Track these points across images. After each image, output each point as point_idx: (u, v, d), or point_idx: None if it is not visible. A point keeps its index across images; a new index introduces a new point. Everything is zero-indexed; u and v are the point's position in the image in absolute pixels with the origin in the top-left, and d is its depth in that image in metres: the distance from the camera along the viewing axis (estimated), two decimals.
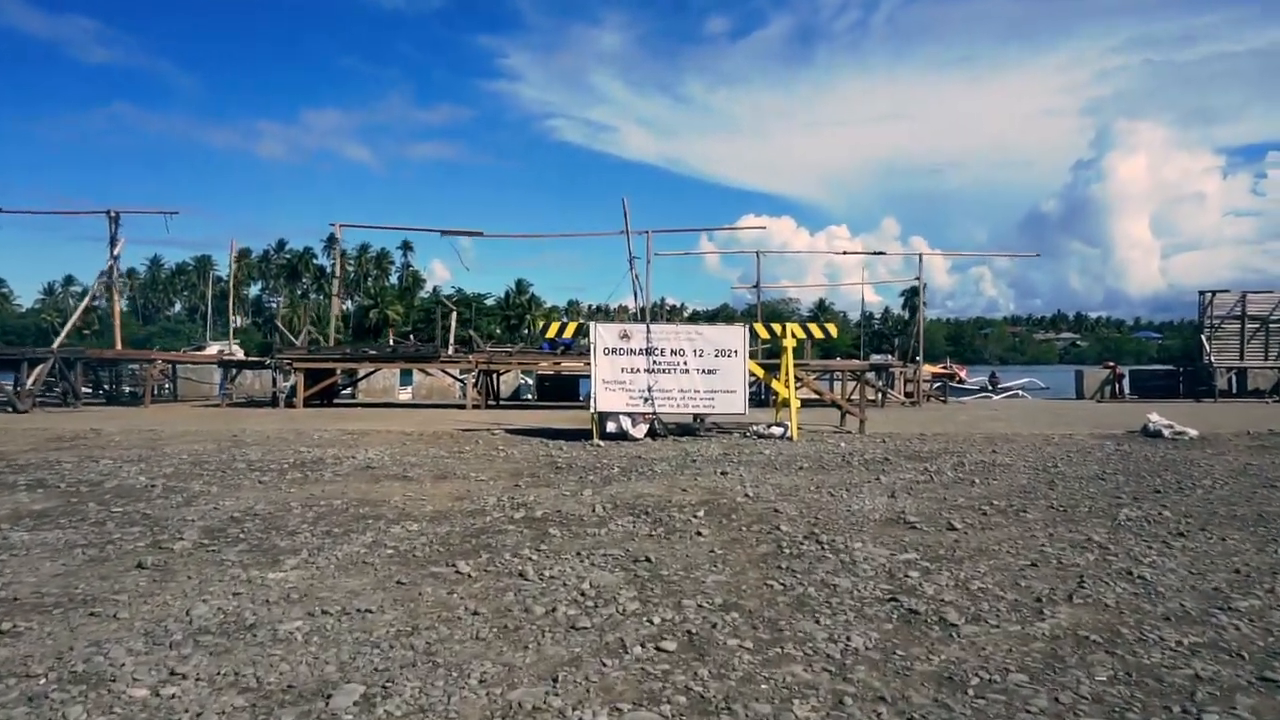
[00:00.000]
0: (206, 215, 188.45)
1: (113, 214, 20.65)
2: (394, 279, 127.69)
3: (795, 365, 13.98)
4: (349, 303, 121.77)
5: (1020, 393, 30.31)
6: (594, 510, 7.40)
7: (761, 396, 19.72)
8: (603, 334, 13.26)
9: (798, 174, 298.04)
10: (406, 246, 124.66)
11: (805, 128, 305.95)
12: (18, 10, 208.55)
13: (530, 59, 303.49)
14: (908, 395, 23.01)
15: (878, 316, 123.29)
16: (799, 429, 13.36)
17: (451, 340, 20.32)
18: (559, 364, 20.63)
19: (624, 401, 13.07)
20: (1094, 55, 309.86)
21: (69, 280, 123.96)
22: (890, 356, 25.64)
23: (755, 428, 13.66)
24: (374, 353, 21.87)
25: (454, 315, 21.19)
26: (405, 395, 24.63)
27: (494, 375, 21.01)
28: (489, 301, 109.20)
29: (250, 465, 10.09)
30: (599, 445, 12.26)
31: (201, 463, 10.26)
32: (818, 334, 14.89)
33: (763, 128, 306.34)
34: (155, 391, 24.38)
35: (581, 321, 15.35)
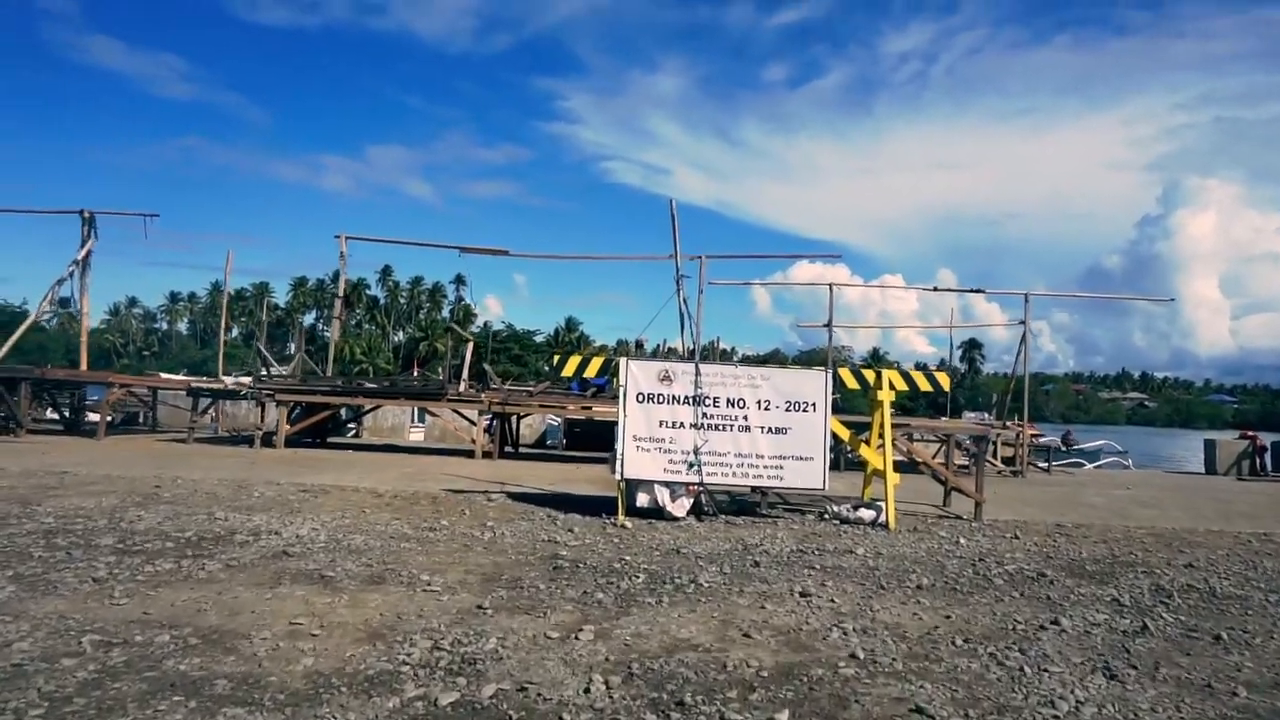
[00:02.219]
0: (268, 244, 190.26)
1: (86, 214, 18.29)
2: (445, 312, 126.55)
3: (893, 425, 10.47)
4: (400, 334, 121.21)
5: (1126, 462, 26.06)
6: (587, 690, 4.11)
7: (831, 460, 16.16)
8: (636, 374, 9.94)
9: (852, 221, 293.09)
10: (459, 280, 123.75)
11: (861, 175, 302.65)
12: (106, 48, 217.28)
13: (589, 102, 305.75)
14: (1006, 462, 19.12)
15: (933, 369, 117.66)
16: (896, 511, 9.88)
17: (465, 375, 17.22)
18: (589, 407, 17.38)
19: (661, 467, 9.72)
20: (1161, 111, 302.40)
21: (133, 301, 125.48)
22: (987, 415, 21.78)
23: (838, 509, 10.21)
24: (371, 386, 18.86)
25: (470, 345, 18.11)
26: (417, 435, 21.61)
27: (512, 419, 17.79)
28: (538, 339, 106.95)
29: (118, 541, 7.05)
30: (625, 527, 8.96)
31: (56, 533, 7.25)
32: (924, 385, 11.36)
33: (818, 174, 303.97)
34: (142, 419, 21.84)
35: (609, 356, 12.06)
